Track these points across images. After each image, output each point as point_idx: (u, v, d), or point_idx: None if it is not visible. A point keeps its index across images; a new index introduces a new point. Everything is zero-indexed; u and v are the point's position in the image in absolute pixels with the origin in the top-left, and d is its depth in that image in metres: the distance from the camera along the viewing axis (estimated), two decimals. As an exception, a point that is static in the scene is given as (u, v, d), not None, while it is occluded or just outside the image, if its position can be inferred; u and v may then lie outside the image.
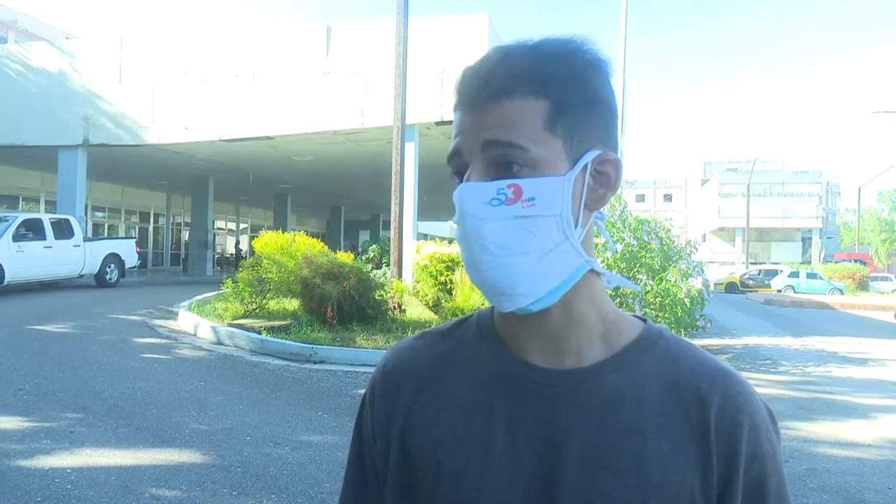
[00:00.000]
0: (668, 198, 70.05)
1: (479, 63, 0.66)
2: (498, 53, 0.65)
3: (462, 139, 0.65)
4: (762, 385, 7.05)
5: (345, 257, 9.61)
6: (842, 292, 30.10)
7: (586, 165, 0.65)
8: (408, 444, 0.70)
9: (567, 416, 0.65)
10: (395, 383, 0.74)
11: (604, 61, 0.66)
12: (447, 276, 10.30)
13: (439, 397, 0.71)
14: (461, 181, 0.65)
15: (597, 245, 7.44)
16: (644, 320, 0.72)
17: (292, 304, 10.00)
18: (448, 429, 0.68)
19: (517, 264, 0.62)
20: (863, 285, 33.02)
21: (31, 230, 13.85)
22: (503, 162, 0.62)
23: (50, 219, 14.74)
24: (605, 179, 0.66)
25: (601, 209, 0.68)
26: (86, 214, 19.14)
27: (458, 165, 0.66)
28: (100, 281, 15.71)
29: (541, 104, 0.63)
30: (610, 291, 7.07)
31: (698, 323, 7.94)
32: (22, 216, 14.22)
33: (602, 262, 7.19)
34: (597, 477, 0.62)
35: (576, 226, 0.64)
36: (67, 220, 15.04)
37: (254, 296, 10.02)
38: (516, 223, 0.62)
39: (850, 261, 36.88)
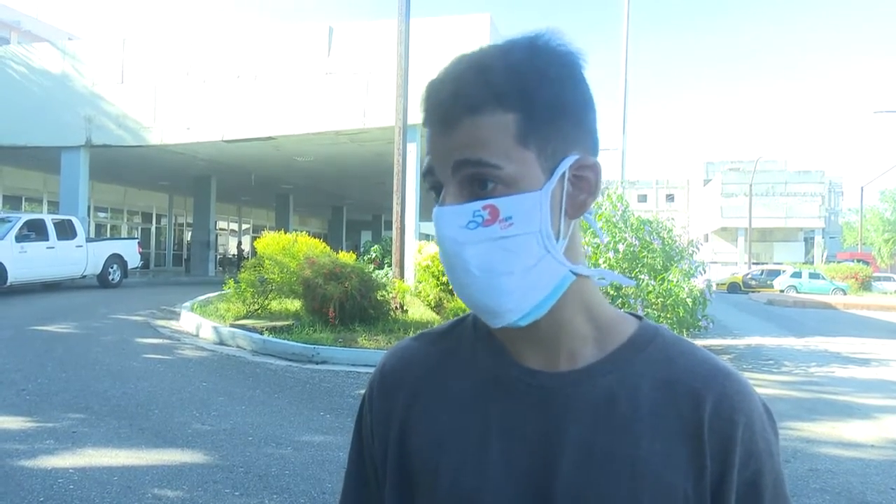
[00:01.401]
0: (670, 198, 69.97)
1: (441, 76, 0.63)
2: (461, 65, 0.63)
3: (433, 158, 0.64)
4: (764, 385, 7.04)
5: (347, 258, 9.62)
6: (844, 292, 30.04)
7: (564, 173, 0.63)
8: (405, 444, 0.70)
9: (561, 417, 0.65)
10: (393, 384, 0.74)
11: (574, 55, 0.63)
12: (449, 276, 10.27)
13: (436, 398, 0.71)
14: (438, 195, 0.64)
15: (598, 246, 7.42)
16: (640, 318, 0.71)
17: (294, 304, 10.01)
18: (445, 429, 0.69)
19: (501, 284, 0.61)
20: (866, 285, 32.95)
21: (34, 231, 13.88)
22: (477, 180, 0.61)
23: (53, 219, 14.78)
24: (585, 185, 0.64)
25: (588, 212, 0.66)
26: (88, 215, 19.17)
27: (433, 183, 0.64)
28: (102, 281, 15.74)
29: (510, 117, 0.60)
30: (612, 291, 7.08)
31: (700, 323, 7.94)
32: (25, 217, 14.27)
33: (604, 262, 7.18)
34: (591, 477, 0.62)
35: (557, 238, 0.62)
36: (70, 221, 15.08)
37: (256, 296, 10.03)
38: (496, 244, 0.60)
39: (852, 261, 36.81)
